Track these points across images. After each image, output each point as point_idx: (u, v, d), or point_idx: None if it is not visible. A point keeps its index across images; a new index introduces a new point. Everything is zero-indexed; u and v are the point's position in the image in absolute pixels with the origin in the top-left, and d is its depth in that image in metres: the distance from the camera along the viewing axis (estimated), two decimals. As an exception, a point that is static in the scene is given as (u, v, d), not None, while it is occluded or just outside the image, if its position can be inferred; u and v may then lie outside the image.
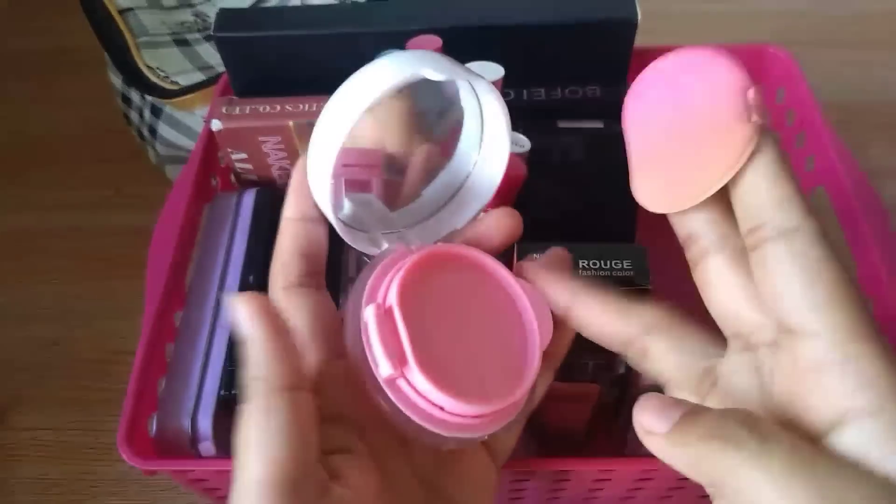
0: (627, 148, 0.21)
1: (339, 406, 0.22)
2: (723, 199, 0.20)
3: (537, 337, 0.23)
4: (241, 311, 0.19)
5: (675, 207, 0.20)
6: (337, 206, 0.23)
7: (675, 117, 0.20)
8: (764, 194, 0.18)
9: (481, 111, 0.24)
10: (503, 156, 0.24)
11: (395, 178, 0.26)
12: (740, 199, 0.19)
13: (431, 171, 0.26)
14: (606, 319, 0.22)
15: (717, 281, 0.20)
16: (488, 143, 0.24)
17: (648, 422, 0.19)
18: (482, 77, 0.22)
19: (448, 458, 0.24)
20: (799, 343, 0.18)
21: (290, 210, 0.22)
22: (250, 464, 0.18)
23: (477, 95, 0.23)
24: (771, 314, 0.19)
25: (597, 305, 0.22)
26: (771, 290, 0.18)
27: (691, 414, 0.18)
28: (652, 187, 0.20)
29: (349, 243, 0.23)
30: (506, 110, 0.23)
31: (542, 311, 0.23)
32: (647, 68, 0.21)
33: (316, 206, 0.22)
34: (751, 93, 0.18)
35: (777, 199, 0.18)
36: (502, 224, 0.24)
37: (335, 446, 0.21)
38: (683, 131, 0.19)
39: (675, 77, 0.20)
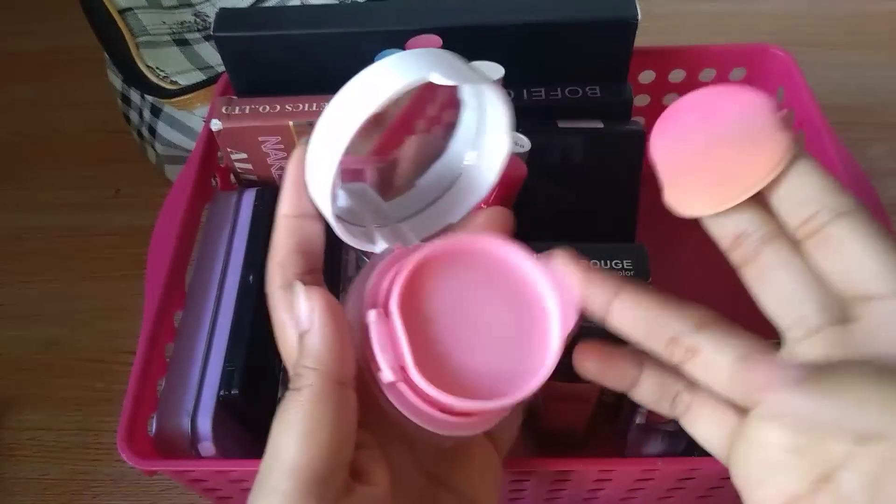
0: (657, 163, 0.22)
1: None
2: (760, 205, 0.21)
3: (557, 325, 0.22)
4: (305, 303, 0.20)
5: (719, 207, 0.21)
6: (332, 198, 0.23)
7: (711, 132, 0.21)
8: (816, 185, 0.20)
9: (484, 108, 0.24)
10: (502, 154, 0.24)
11: (387, 167, 0.25)
12: (788, 196, 0.20)
13: (425, 162, 0.25)
14: (654, 315, 0.21)
15: (776, 268, 0.20)
16: (488, 140, 0.24)
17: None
18: (489, 79, 0.22)
19: (452, 452, 0.24)
20: (880, 305, 0.19)
21: (286, 207, 0.22)
22: (289, 449, 0.18)
23: (481, 93, 0.23)
24: (839, 290, 0.20)
25: (644, 300, 0.21)
26: (839, 265, 0.19)
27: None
28: (689, 193, 0.21)
29: (345, 240, 0.23)
30: (510, 110, 0.23)
31: (566, 295, 0.22)
32: (677, 100, 0.23)
33: (312, 202, 0.22)
34: (784, 112, 0.21)
35: (829, 188, 0.20)
36: (495, 223, 0.24)
37: (357, 442, 0.21)
38: (721, 143, 0.21)
39: (707, 103, 0.22)
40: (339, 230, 0.22)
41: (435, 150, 0.25)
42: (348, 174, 0.24)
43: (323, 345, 0.19)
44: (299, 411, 0.19)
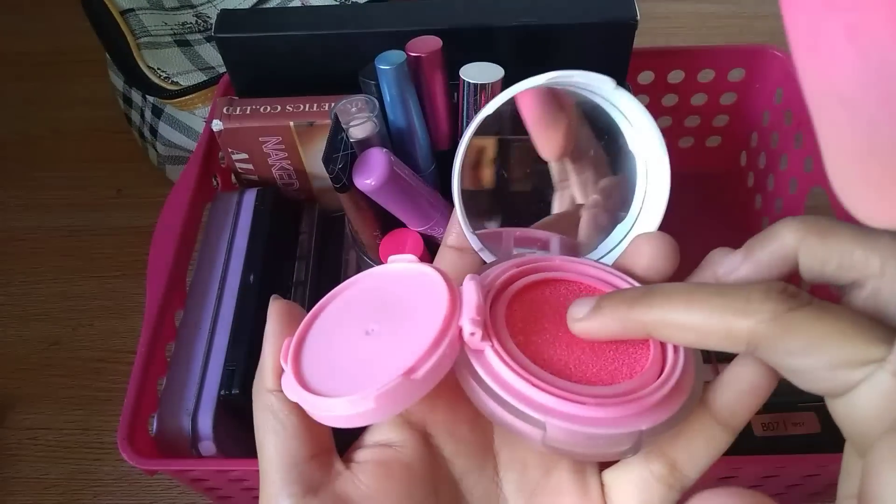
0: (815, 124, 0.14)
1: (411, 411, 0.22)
2: None
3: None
4: (268, 313, 0.21)
5: None
6: (506, 254, 0.24)
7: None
8: None
9: (646, 161, 0.24)
10: (661, 207, 0.23)
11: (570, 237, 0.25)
12: None
13: (603, 227, 0.25)
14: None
15: None
16: (650, 194, 0.24)
17: None
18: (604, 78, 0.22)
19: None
20: None
21: (450, 239, 0.24)
22: (260, 454, 0.21)
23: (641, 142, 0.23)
24: None
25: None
26: None
27: None
28: (869, 187, 0.13)
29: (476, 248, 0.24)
30: (666, 159, 0.23)
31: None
32: None
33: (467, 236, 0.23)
34: None
35: None
36: (659, 249, 0.21)
37: (374, 441, 0.21)
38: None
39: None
40: (472, 239, 0.23)
41: (614, 215, 0.25)
42: (532, 242, 0.24)
43: (263, 351, 0.21)
44: (254, 418, 0.21)
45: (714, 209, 0.52)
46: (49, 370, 0.48)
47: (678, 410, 0.18)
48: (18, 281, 0.53)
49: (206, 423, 0.33)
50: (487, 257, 0.23)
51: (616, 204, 0.25)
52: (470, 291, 0.19)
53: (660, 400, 0.18)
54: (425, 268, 0.20)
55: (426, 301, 0.19)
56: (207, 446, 0.33)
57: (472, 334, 0.18)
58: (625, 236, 0.24)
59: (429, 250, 0.36)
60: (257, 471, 0.20)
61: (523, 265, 0.21)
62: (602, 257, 0.24)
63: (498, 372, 0.18)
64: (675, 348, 0.19)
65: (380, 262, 0.35)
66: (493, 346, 0.18)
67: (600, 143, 0.25)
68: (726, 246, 0.20)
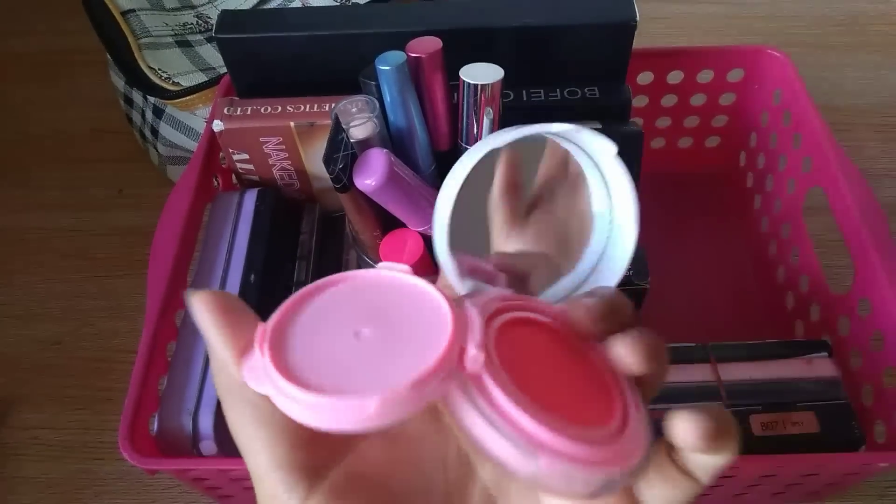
0: None
1: None
2: None
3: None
4: (192, 306, 0.19)
5: None
6: (460, 281, 0.23)
7: None
8: None
9: (614, 199, 0.24)
10: (630, 247, 0.24)
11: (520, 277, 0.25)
12: None
13: (553, 276, 0.25)
14: None
15: None
16: (619, 233, 0.24)
17: None
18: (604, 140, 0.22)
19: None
20: None
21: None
22: (249, 455, 0.19)
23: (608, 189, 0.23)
24: None
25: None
26: None
27: None
28: None
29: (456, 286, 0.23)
30: (636, 198, 0.23)
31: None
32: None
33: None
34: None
35: None
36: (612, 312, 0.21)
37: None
38: None
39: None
40: (453, 276, 0.23)
41: (565, 265, 0.25)
42: (480, 274, 0.24)
43: (214, 344, 0.19)
44: (229, 421, 0.20)
45: (713, 209, 0.52)
46: (50, 370, 0.48)
47: (644, 456, 0.19)
48: (20, 281, 0.53)
49: (206, 423, 0.33)
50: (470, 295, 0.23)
51: (566, 255, 0.25)
52: (474, 315, 0.19)
53: (631, 444, 0.18)
54: (423, 283, 0.20)
55: (425, 316, 0.19)
56: (208, 446, 0.33)
57: (475, 360, 0.18)
58: (574, 290, 0.25)
59: (429, 250, 0.36)
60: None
61: (507, 300, 0.21)
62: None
63: (495, 399, 0.18)
64: (636, 401, 0.20)
65: (380, 262, 0.35)
66: (489, 373, 0.18)
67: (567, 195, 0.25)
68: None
